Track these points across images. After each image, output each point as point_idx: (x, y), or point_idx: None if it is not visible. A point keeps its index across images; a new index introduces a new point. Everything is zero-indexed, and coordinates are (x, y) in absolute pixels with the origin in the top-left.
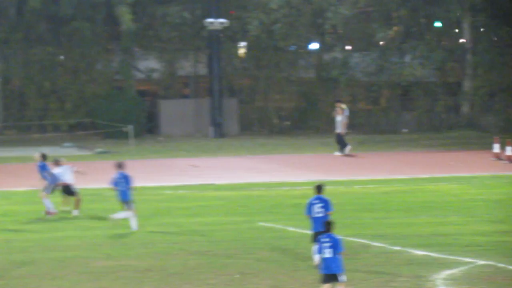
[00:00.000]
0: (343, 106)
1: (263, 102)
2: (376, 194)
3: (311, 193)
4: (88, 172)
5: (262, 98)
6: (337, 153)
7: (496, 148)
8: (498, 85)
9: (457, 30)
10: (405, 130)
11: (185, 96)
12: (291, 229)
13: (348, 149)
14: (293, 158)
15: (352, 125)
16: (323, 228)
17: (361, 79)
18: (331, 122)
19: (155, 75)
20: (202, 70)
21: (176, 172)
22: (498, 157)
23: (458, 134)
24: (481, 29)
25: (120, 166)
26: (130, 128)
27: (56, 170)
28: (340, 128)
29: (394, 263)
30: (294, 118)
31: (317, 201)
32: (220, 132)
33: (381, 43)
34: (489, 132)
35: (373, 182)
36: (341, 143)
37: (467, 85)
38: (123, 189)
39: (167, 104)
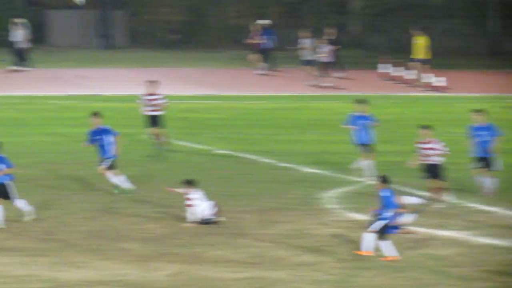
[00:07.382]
0: (20, 21)
1: (152, 15)
2: (263, 110)
3: (198, 107)
4: None
5: (151, 11)
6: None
7: (382, 68)
8: (386, 5)
9: None
10: (291, 47)
11: (74, 7)
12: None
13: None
14: (181, 71)
15: (238, 42)
16: None
17: None
18: (221, 37)
19: None
20: None
21: (63, 82)
22: (384, 77)
23: (345, 53)
24: None
25: (363, 106)
26: None
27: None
28: (21, 44)
29: (283, 180)
30: (184, 32)
31: None
32: (108, 44)
33: None
34: (377, 52)
35: (260, 98)
36: (22, 57)
37: (357, 3)
38: (363, 132)
39: (55, 14)
